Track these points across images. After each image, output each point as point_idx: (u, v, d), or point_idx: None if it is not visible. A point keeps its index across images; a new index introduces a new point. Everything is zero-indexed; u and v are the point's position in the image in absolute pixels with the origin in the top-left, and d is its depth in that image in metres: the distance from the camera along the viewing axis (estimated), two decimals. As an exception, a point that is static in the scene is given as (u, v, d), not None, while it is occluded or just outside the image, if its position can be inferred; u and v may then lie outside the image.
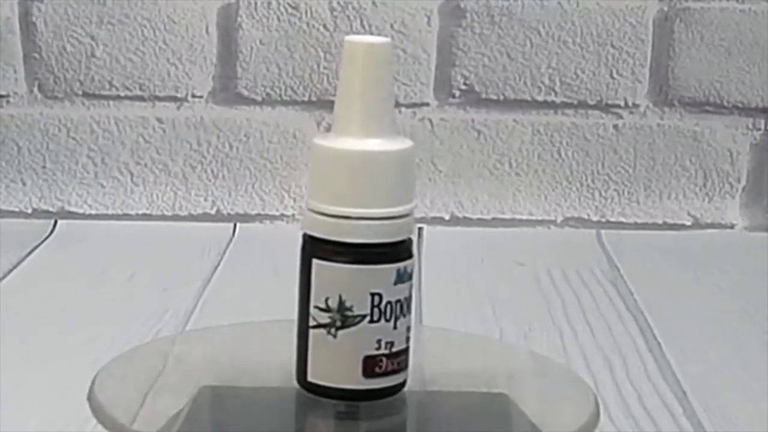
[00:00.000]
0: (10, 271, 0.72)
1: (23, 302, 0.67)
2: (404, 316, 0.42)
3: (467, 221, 0.83)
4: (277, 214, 0.83)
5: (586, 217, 0.83)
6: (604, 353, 0.60)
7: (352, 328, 0.41)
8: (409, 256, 0.42)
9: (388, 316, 0.41)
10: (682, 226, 0.83)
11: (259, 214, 0.83)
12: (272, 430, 0.44)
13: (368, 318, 0.41)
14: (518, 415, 0.43)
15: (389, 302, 0.41)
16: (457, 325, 0.62)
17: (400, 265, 0.41)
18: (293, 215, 0.83)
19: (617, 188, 0.83)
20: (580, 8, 0.81)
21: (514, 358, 0.50)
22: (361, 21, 0.81)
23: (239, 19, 0.81)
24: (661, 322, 0.65)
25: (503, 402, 0.44)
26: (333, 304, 0.41)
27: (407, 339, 0.42)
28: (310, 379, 0.42)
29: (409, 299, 0.42)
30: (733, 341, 0.63)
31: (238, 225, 0.82)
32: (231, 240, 0.80)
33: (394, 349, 0.42)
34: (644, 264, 0.76)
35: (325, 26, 0.81)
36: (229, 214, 0.83)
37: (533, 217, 0.83)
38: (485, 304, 0.68)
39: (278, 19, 0.81)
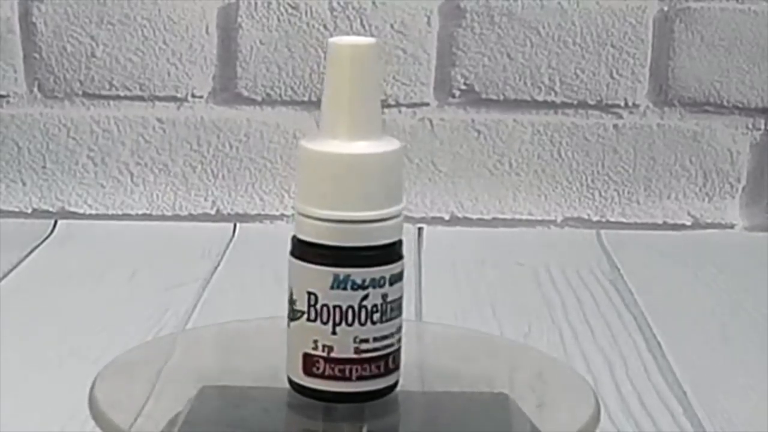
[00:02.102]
0: (10, 271, 0.72)
1: (23, 302, 0.67)
2: (349, 324, 0.41)
3: (467, 221, 0.83)
4: (277, 214, 0.83)
5: (586, 217, 0.83)
6: (604, 353, 0.60)
7: (296, 322, 0.42)
8: (355, 264, 0.41)
9: (324, 319, 0.41)
10: (682, 226, 0.83)
11: (259, 214, 0.83)
12: (273, 429, 0.44)
13: (306, 315, 0.41)
14: (518, 415, 0.43)
15: (325, 305, 0.41)
16: (457, 324, 0.62)
17: (338, 270, 0.41)
18: (293, 215, 0.82)
19: (617, 188, 0.83)
20: (580, 8, 0.81)
21: (514, 356, 0.50)
22: (361, 21, 0.81)
23: (239, 19, 0.81)
24: (661, 322, 0.65)
25: (503, 402, 0.44)
26: (288, 295, 0.42)
27: (359, 350, 0.41)
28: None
29: (358, 309, 0.41)
30: (733, 341, 0.63)
31: (238, 225, 0.82)
32: (231, 240, 0.80)
33: (332, 355, 0.41)
34: (644, 264, 0.76)
35: (325, 26, 0.81)
36: (229, 214, 0.83)
37: (533, 217, 0.83)
38: (485, 304, 0.68)
39: (278, 19, 0.81)
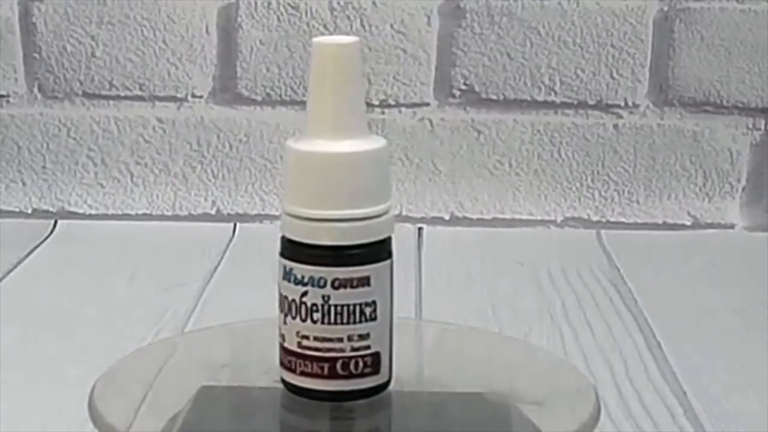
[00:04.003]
0: (10, 270, 0.72)
1: (23, 302, 0.67)
2: (293, 317, 0.41)
3: (467, 221, 0.83)
4: (277, 214, 0.83)
5: (586, 217, 0.83)
6: (604, 353, 0.60)
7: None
8: (296, 259, 0.41)
9: (280, 308, 0.42)
10: (682, 226, 0.83)
11: (259, 214, 0.83)
12: (272, 429, 0.44)
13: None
14: (518, 415, 0.43)
15: (280, 294, 0.42)
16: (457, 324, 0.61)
17: (286, 262, 0.41)
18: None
19: (617, 188, 0.83)
20: (580, 8, 0.81)
21: (514, 354, 0.50)
22: (361, 21, 0.81)
23: (239, 19, 0.81)
24: (661, 322, 0.65)
25: (503, 402, 0.44)
26: None
27: (301, 345, 0.41)
28: None
29: (299, 304, 0.41)
30: (733, 341, 0.63)
31: (238, 225, 0.82)
32: (231, 240, 0.80)
33: (284, 345, 0.42)
34: (644, 264, 0.76)
35: (325, 26, 0.81)
36: (229, 214, 0.83)
37: (533, 217, 0.83)
38: (485, 304, 0.68)
39: (278, 19, 0.81)
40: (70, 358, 0.58)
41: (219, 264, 0.74)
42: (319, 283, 0.41)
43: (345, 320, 0.41)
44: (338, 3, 0.81)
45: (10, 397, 0.53)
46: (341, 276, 0.41)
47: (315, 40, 0.41)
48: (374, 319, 0.41)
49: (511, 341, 0.56)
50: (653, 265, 0.76)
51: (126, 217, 0.83)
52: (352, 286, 0.41)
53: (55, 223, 0.82)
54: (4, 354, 0.58)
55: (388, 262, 0.42)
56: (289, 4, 0.81)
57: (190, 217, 0.83)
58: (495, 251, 0.78)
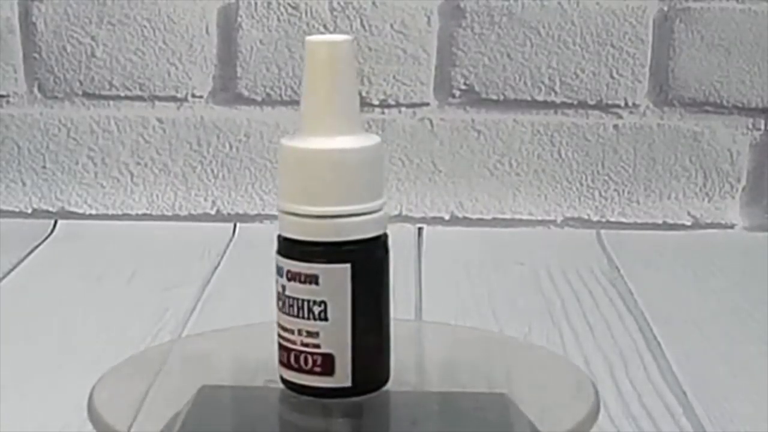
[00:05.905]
0: (11, 270, 0.72)
1: (23, 302, 0.67)
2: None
3: (467, 221, 0.83)
4: (277, 214, 0.83)
5: (586, 217, 0.83)
6: (604, 353, 0.60)
7: None
8: (282, 254, 0.42)
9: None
10: (682, 226, 0.83)
11: (259, 214, 0.83)
12: (272, 429, 0.44)
13: None
14: (518, 415, 0.43)
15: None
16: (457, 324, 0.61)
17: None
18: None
19: (617, 188, 0.83)
20: (580, 8, 0.81)
21: (514, 354, 0.50)
22: (361, 21, 0.81)
23: (239, 19, 0.81)
24: (661, 322, 0.65)
25: (503, 402, 0.44)
26: None
27: (278, 335, 0.43)
28: None
29: (279, 296, 0.42)
30: (733, 341, 0.63)
31: (238, 225, 0.82)
32: (231, 240, 0.80)
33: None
34: (644, 264, 0.76)
35: (325, 26, 0.81)
36: (229, 214, 0.83)
37: (533, 217, 0.83)
38: (485, 304, 0.68)
39: (278, 19, 0.81)
40: (70, 359, 0.58)
41: (219, 264, 0.74)
42: (279, 273, 0.43)
43: (295, 313, 0.42)
44: (338, 3, 0.81)
45: (10, 397, 0.53)
46: (292, 269, 0.42)
47: (308, 38, 0.42)
48: (324, 319, 0.42)
49: (511, 341, 0.56)
50: (653, 265, 0.76)
51: (126, 217, 0.83)
52: (300, 281, 0.42)
53: (55, 223, 0.82)
54: (4, 354, 0.58)
55: (345, 266, 0.42)
56: (289, 4, 0.81)
57: (190, 217, 0.83)
58: (495, 251, 0.78)
